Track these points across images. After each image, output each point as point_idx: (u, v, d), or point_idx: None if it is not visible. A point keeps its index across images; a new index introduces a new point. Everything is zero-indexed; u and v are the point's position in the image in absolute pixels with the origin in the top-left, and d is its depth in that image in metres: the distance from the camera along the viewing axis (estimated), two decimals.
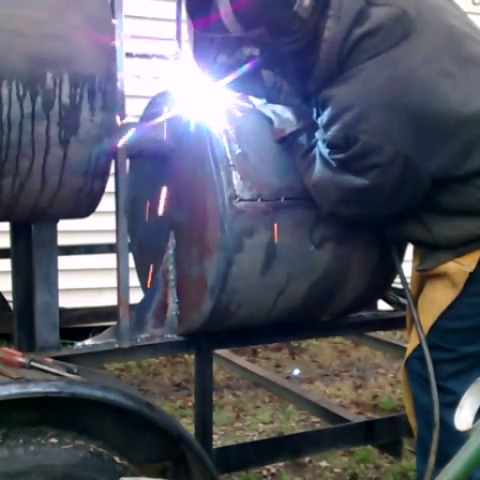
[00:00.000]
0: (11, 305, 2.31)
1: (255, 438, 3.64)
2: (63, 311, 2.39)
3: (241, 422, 3.90)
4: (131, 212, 2.22)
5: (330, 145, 1.93)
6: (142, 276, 2.45)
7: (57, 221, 1.99)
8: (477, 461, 1.21)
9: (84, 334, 3.37)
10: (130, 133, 1.95)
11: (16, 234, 2.14)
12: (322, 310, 2.32)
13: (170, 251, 2.19)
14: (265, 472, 3.30)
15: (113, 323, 2.12)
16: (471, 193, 1.92)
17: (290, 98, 2.20)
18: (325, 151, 1.95)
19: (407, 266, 2.19)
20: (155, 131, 2.10)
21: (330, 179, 1.97)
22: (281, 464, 3.30)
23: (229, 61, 1.98)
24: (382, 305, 2.80)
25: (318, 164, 1.99)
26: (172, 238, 2.19)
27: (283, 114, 2.10)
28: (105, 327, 2.19)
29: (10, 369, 1.72)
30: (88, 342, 2.10)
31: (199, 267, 2.07)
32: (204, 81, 2.04)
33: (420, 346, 2.03)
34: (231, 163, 1.98)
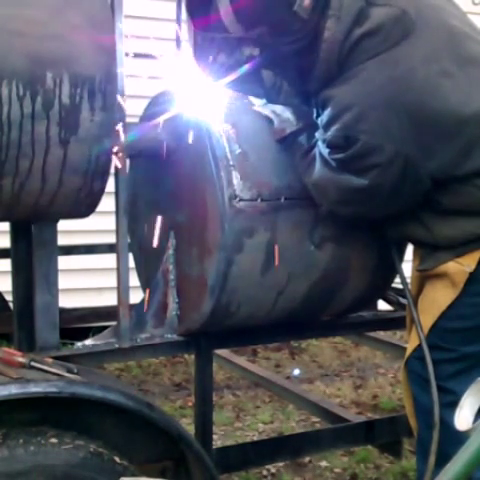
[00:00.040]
0: (11, 305, 2.31)
1: (255, 438, 3.64)
2: (63, 311, 2.39)
3: (241, 422, 3.90)
4: (131, 212, 2.22)
5: (330, 145, 1.93)
6: (142, 276, 2.45)
7: (57, 221, 1.99)
8: (477, 461, 1.21)
9: (84, 334, 3.37)
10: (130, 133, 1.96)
11: (16, 234, 2.14)
12: (322, 310, 2.32)
13: (170, 251, 2.19)
14: (265, 472, 3.30)
15: (113, 323, 2.12)
16: (471, 193, 1.92)
17: (290, 98, 2.20)
18: (325, 151, 1.95)
19: (407, 266, 2.19)
20: (155, 131, 2.10)
21: (330, 179, 1.97)
22: (281, 464, 3.30)
23: (229, 61, 1.98)
24: (382, 305, 2.80)
25: (318, 164, 1.99)
26: (172, 238, 2.19)
27: (283, 114, 2.10)
28: (105, 327, 2.19)
29: (10, 369, 1.72)
30: (88, 342, 2.10)
31: (199, 267, 2.07)
32: (204, 81, 2.04)
33: (420, 346, 2.03)
34: (231, 163, 1.98)
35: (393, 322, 2.62)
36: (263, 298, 2.11)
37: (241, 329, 2.22)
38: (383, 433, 2.61)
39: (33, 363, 1.76)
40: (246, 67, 1.98)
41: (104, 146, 1.83)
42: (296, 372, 4.55)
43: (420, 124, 1.84)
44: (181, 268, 2.17)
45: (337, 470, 3.37)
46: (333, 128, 1.89)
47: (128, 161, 2.04)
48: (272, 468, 3.31)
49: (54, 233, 1.99)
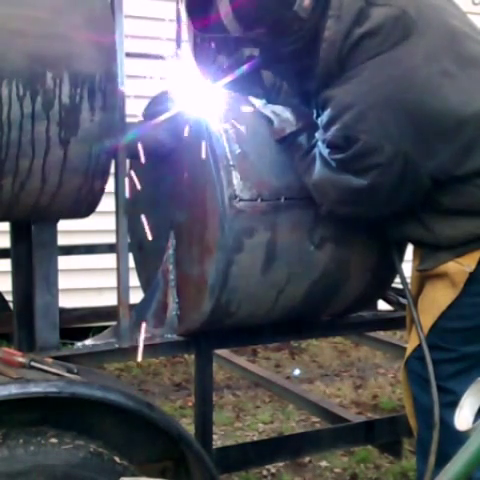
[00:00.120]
0: (11, 305, 2.31)
1: (255, 438, 3.64)
2: (63, 311, 2.39)
3: (241, 422, 3.90)
4: (131, 212, 2.22)
5: (330, 145, 1.93)
6: (142, 276, 2.45)
7: (57, 221, 1.99)
8: (477, 461, 1.21)
9: (84, 334, 3.37)
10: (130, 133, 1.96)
11: (16, 234, 2.14)
12: (322, 310, 2.32)
13: (170, 251, 2.19)
14: (265, 472, 3.30)
15: (113, 323, 2.12)
16: (471, 193, 1.92)
17: (290, 98, 2.20)
18: (325, 151, 1.95)
19: (407, 266, 2.19)
20: (155, 131, 2.10)
21: (330, 179, 1.97)
22: (281, 464, 3.30)
23: (229, 61, 1.98)
24: (382, 305, 2.80)
25: (318, 164, 1.99)
26: (172, 238, 2.19)
27: (283, 114, 2.10)
28: (105, 327, 2.19)
29: (10, 369, 1.72)
30: (88, 342, 2.10)
31: (199, 267, 2.07)
32: (204, 81, 2.04)
33: (420, 346, 2.03)
34: (231, 163, 1.98)
35: (393, 322, 2.63)
36: (263, 298, 2.11)
37: (241, 329, 2.22)
38: (383, 433, 2.61)
39: (33, 363, 1.76)
40: (246, 67, 1.98)
41: (104, 146, 1.83)
42: (296, 372, 4.55)
43: (420, 124, 1.84)
44: (181, 268, 2.17)
45: (337, 470, 3.37)
46: (333, 128, 1.89)
47: (128, 161, 2.04)
48: (272, 468, 3.31)
49: (54, 233, 1.99)
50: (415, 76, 1.85)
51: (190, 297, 2.13)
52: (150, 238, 2.10)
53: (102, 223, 2.82)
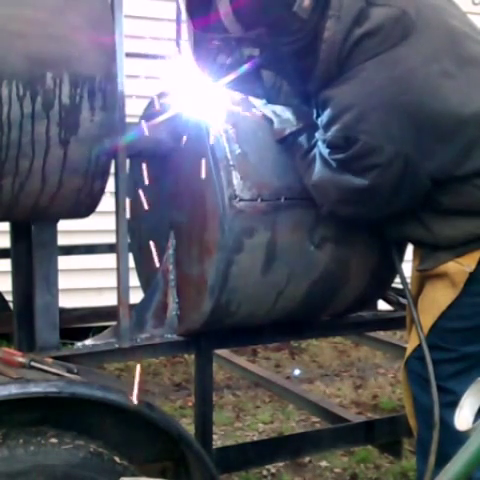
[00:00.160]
0: (11, 305, 2.31)
1: (255, 438, 3.64)
2: (63, 311, 2.39)
3: (241, 422, 3.90)
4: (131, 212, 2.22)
5: (330, 145, 1.93)
6: (142, 276, 2.45)
7: (57, 221, 1.99)
8: (477, 461, 1.21)
9: (84, 334, 3.37)
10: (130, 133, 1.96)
11: (16, 234, 2.14)
12: (322, 310, 2.32)
13: (170, 251, 2.19)
14: (265, 472, 3.30)
15: (113, 323, 2.12)
16: (471, 193, 1.92)
17: (290, 98, 2.20)
18: (325, 151, 1.95)
19: (407, 266, 2.19)
20: (155, 131, 2.10)
21: (330, 179, 1.97)
22: (281, 464, 3.30)
23: (229, 61, 1.98)
24: (382, 305, 2.80)
25: (318, 164, 1.99)
26: (172, 238, 2.19)
27: (283, 114, 2.10)
28: (105, 327, 2.19)
29: (10, 369, 1.72)
30: (88, 342, 2.10)
31: (199, 267, 2.07)
32: (204, 81, 2.04)
33: (420, 346, 2.03)
34: (231, 163, 1.98)
35: (393, 322, 2.63)
36: (263, 298, 2.11)
37: (241, 329, 2.22)
38: (383, 433, 2.61)
39: (33, 363, 1.76)
40: (246, 67, 1.98)
41: (104, 146, 1.83)
42: (296, 372, 4.55)
43: (420, 124, 1.84)
44: (181, 268, 2.17)
45: (337, 470, 3.37)
46: (333, 128, 1.89)
47: (128, 161, 2.04)
48: (272, 468, 3.31)
49: (54, 233, 1.99)
50: (414, 77, 1.85)
51: (190, 297, 2.13)
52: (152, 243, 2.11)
53: (102, 223, 2.82)
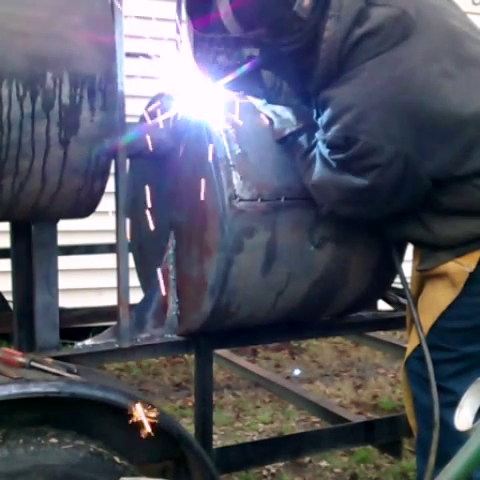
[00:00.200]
0: (11, 305, 2.31)
1: (255, 438, 3.64)
2: (63, 311, 2.39)
3: (241, 422, 3.90)
4: (131, 212, 2.22)
5: (330, 145, 1.93)
6: (142, 276, 2.45)
7: (57, 221, 1.99)
8: (477, 461, 1.21)
9: (84, 334, 3.37)
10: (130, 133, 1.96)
11: (16, 234, 2.14)
12: (322, 310, 2.32)
13: (170, 251, 2.19)
14: (265, 472, 3.30)
15: (113, 323, 2.12)
16: (471, 193, 1.92)
17: (290, 98, 2.20)
18: (325, 151, 1.95)
19: (407, 266, 2.19)
20: (155, 131, 2.10)
21: (330, 179, 1.97)
22: (281, 464, 3.30)
23: (229, 61, 1.98)
24: (382, 305, 2.80)
25: (318, 164, 1.99)
26: (172, 238, 2.19)
27: (283, 114, 2.10)
28: (105, 327, 2.19)
29: (10, 369, 1.72)
30: (88, 342, 2.10)
31: (199, 267, 2.07)
32: (204, 81, 2.04)
33: (420, 346, 2.03)
34: (231, 163, 1.98)
35: (393, 322, 2.63)
36: (263, 298, 2.11)
37: (241, 329, 2.22)
38: (383, 433, 2.61)
39: (33, 363, 1.76)
40: (246, 67, 1.98)
41: (104, 146, 1.83)
42: (296, 372, 4.55)
43: (420, 124, 1.84)
44: (181, 268, 2.17)
45: (337, 470, 3.37)
46: (333, 128, 1.89)
47: (128, 161, 2.04)
48: (272, 468, 3.31)
49: (54, 234, 1.99)
50: (414, 77, 1.85)
51: (190, 297, 2.13)
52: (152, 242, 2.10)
53: (102, 223, 2.82)
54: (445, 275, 1.97)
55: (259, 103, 2.14)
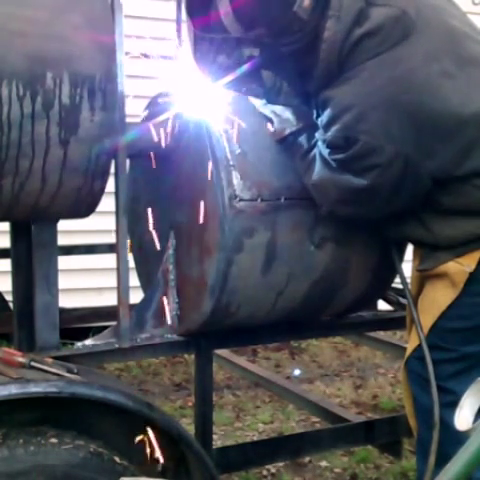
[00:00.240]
0: (11, 305, 2.31)
1: (255, 438, 3.64)
2: (63, 311, 2.39)
3: (241, 422, 3.90)
4: (131, 212, 2.22)
5: (330, 145, 1.93)
6: (142, 276, 2.45)
7: (57, 221, 1.99)
8: (477, 461, 1.21)
9: (84, 334, 3.37)
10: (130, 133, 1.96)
11: (16, 234, 2.14)
12: (322, 310, 2.32)
13: (170, 251, 2.19)
14: (265, 472, 3.30)
15: (113, 323, 2.12)
16: (471, 193, 1.92)
17: (290, 98, 2.20)
18: (325, 151, 1.95)
19: (407, 266, 2.19)
20: (155, 131, 2.10)
21: (330, 179, 1.97)
22: (281, 464, 3.30)
23: (229, 61, 1.98)
24: (382, 305, 2.80)
25: (318, 164, 1.99)
26: (172, 238, 2.19)
27: (283, 114, 2.09)
28: (105, 327, 2.19)
29: (10, 369, 1.72)
30: (88, 342, 2.10)
31: (199, 267, 2.07)
32: (204, 81, 2.04)
33: (420, 346, 2.03)
34: (231, 163, 1.98)
35: (393, 322, 2.63)
36: (263, 298, 2.11)
37: (241, 329, 2.22)
38: (383, 433, 2.61)
39: (33, 363, 1.76)
40: (246, 67, 1.98)
41: (104, 146, 1.83)
42: (296, 372, 4.55)
43: (420, 124, 1.84)
44: (181, 268, 2.17)
45: (337, 470, 3.37)
46: (333, 128, 1.89)
47: (128, 161, 2.04)
48: (272, 468, 3.31)
49: (54, 234, 1.99)
50: (414, 77, 1.85)
51: (190, 297, 2.13)
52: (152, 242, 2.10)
53: (102, 223, 2.82)
54: (445, 275, 1.97)
55: (259, 103, 2.14)
